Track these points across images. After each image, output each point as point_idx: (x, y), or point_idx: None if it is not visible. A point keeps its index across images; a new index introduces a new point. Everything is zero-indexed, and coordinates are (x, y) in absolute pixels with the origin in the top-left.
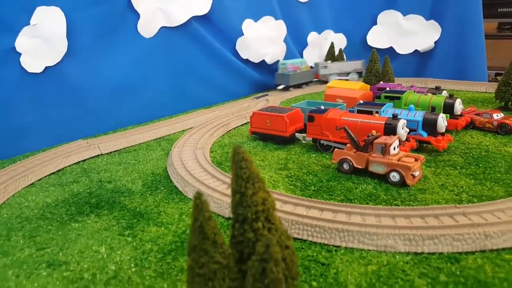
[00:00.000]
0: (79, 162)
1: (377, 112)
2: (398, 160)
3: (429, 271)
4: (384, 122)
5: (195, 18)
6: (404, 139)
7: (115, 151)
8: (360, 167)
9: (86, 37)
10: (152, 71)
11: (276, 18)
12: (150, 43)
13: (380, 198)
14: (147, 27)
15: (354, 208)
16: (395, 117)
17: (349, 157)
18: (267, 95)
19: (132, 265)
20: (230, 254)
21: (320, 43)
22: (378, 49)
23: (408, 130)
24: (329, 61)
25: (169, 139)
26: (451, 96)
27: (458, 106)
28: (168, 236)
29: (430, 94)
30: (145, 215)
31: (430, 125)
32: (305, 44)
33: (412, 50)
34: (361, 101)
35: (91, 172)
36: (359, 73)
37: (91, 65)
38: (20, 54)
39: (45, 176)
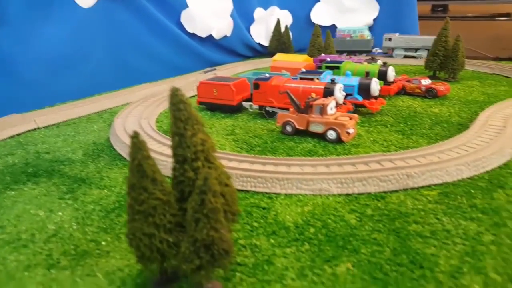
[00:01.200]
0: (13, 136)
1: (317, 79)
2: (335, 120)
3: (358, 208)
4: (323, 87)
5: None
6: (341, 102)
7: (53, 124)
8: (301, 128)
9: (16, 4)
10: (91, 44)
11: None
12: (88, 13)
13: (318, 154)
14: None
15: (293, 160)
16: (333, 82)
17: (291, 119)
18: (215, 69)
19: (74, 223)
20: (170, 192)
21: (266, 19)
22: (321, 26)
23: (344, 94)
24: (396, 34)
25: (112, 112)
26: (384, 64)
27: (391, 73)
28: (112, 197)
29: (366, 63)
30: (86, 180)
31: (364, 89)
32: (251, 20)
33: None
34: (303, 70)
35: (28, 144)
36: (428, 51)
37: (23, 35)
38: None
39: None
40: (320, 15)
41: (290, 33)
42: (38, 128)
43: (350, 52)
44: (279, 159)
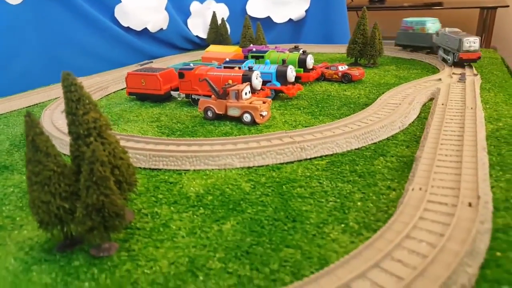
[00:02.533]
0: None
1: (239, 67)
2: (249, 104)
3: (255, 177)
4: (241, 74)
5: None
6: (258, 87)
7: None
8: (221, 113)
9: None
10: (22, 41)
11: None
12: (17, 10)
13: (233, 135)
14: None
15: (205, 141)
16: (250, 69)
17: (211, 105)
18: (151, 62)
19: None
20: (65, 164)
21: (203, 12)
22: (257, 18)
23: (261, 80)
24: (445, 28)
25: (43, 105)
26: (304, 52)
27: (310, 61)
28: None
29: (287, 52)
30: (10, 167)
31: (281, 76)
32: (188, 13)
33: (286, 19)
34: (227, 59)
35: None
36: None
37: None
38: None
39: None
40: (255, 8)
41: (228, 26)
42: None
43: (413, 48)
44: (193, 139)
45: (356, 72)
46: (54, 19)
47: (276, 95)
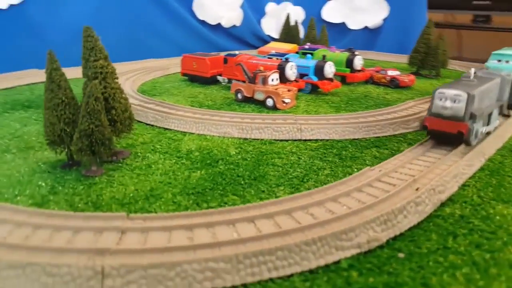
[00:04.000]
0: (27, 84)
1: (281, 59)
2: (276, 89)
3: (244, 146)
4: (277, 64)
5: None
6: (292, 78)
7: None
8: (249, 95)
9: None
10: (107, 21)
11: None
12: None
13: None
14: None
15: (218, 112)
16: (286, 60)
17: (241, 88)
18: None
19: (34, 134)
20: (73, 97)
21: (278, 13)
22: (331, 24)
23: (296, 71)
24: None
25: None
26: (353, 53)
27: (357, 62)
28: None
29: (338, 52)
30: None
31: (319, 71)
32: (263, 13)
33: (362, 26)
34: (273, 51)
35: (35, 89)
36: None
37: (51, 7)
38: None
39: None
40: (330, 13)
41: (302, 28)
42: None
43: None
44: (208, 111)
45: (405, 78)
46: (136, 5)
47: (313, 89)
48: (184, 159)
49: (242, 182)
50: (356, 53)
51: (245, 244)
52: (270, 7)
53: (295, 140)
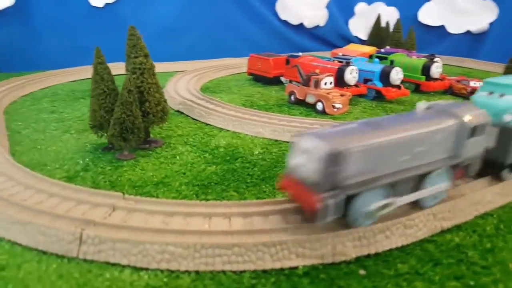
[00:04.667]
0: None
1: (347, 62)
2: (328, 93)
3: (270, 147)
4: (337, 67)
5: None
6: (351, 83)
7: None
8: (301, 98)
9: None
10: (192, 20)
11: None
12: None
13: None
14: None
15: (253, 111)
16: (347, 64)
17: (295, 90)
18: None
19: None
20: (114, 89)
21: (368, 14)
22: (428, 27)
23: (356, 76)
24: None
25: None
26: (431, 60)
27: (435, 70)
28: None
29: (414, 57)
30: None
31: (384, 77)
32: (351, 13)
33: (464, 31)
34: (340, 54)
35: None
36: None
37: (140, 7)
38: None
39: None
40: (428, 15)
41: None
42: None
43: None
44: (247, 110)
45: None
46: (220, 5)
47: (378, 96)
48: (208, 154)
49: (249, 181)
50: (436, 59)
51: (209, 236)
52: (360, 7)
53: None
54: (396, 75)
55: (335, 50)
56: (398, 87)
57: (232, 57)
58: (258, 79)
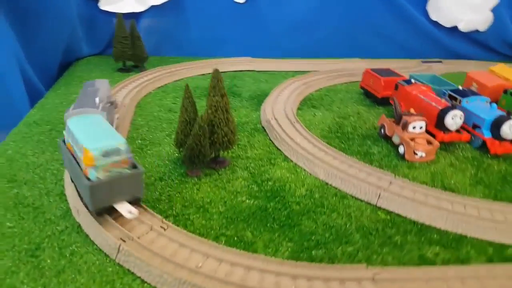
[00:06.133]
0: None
1: (459, 102)
2: (413, 139)
3: (315, 193)
4: (440, 108)
5: None
6: (452, 128)
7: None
8: (389, 135)
9: None
10: (325, 15)
11: None
12: None
13: (373, 157)
14: None
15: (328, 149)
16: (453, 106)
17: (386, 124)
18: (440, 62)
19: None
20: (195, 118)
21: None
22: None
23: (460, 122)
24: None
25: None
26: None
27: None
28: None
29: None
30: None
31: (495, 128)
32: None
33: None
34: (460, 87)
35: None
36: None
37: (277, 2)
38: None
39: None
40: None
41: None
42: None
43: None
44: (327, 147)
45: None
46: (358, 2)
47: (484, 145)
48: (256, 185)
49: (268, 225)
50: None
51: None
52: None
53: (370, 204)
54: (510, 129)
55: (471, 74)
56: (510, 141)
57: (368, 58)
58: (368, 95)
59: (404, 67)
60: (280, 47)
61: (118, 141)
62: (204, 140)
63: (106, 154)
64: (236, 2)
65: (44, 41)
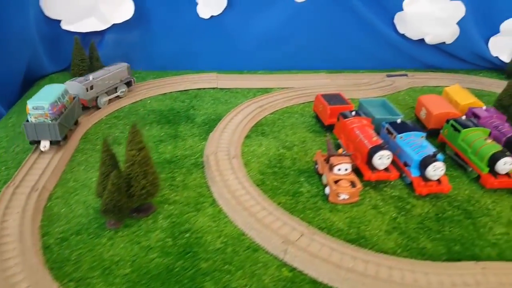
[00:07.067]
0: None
1: (394, 137)
2: (337, 180)
3: (231, 245)
4: (369, 147)
5: None
6: (380, 168)
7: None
8: (321, 173)
9: None
10: (295, 29)
11: None
12: (300, 6)
13: (302, 196)
14: None
15: (256, 190)
16: (381, 147)
17: (319, 162)
18: (405, 75)
19: None
20: (113, 170)
21: None
22: None
23: (388, 162)
24: None
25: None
26: (503, 152)
27: (502, 166)
28: None
29: (489, 141)
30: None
31: (423, 167)
32: (495, 31)
33: None
34: (399, 121)
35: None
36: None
37: (245, 18)
38: (197, 4)
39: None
40: None
41: None
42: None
43: None
44: (255, 189)
45: None
46: (329, 16)
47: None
48: (172, 239)
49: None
50: None
51: None
52: (507, 24)
53: (278, 258)
54: (434, 171)
55: (422, 98)
56: (438, 181)
57: (338, 70)
58: (319, 120)
59: (368, 82)
60: (250, 60)
61: (45, 101)
62: (120, 194)
63: (35, 108)
64: (202, 18)
65: (3, 62)
